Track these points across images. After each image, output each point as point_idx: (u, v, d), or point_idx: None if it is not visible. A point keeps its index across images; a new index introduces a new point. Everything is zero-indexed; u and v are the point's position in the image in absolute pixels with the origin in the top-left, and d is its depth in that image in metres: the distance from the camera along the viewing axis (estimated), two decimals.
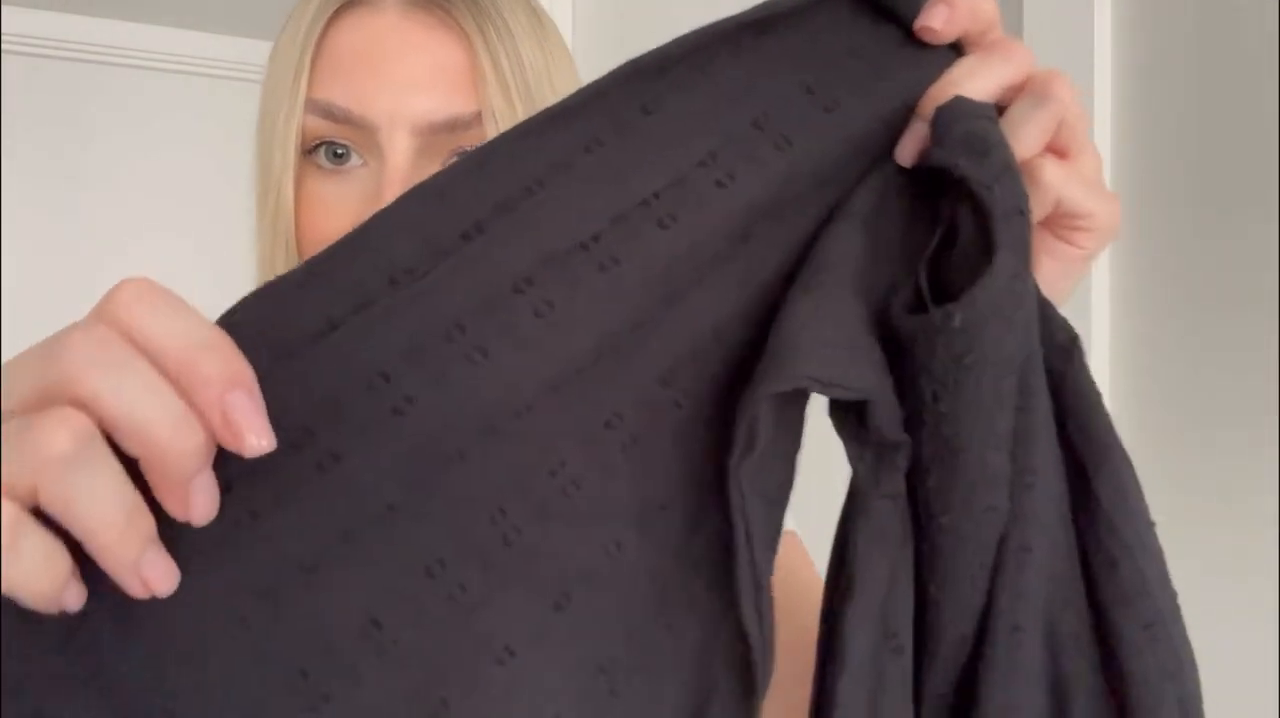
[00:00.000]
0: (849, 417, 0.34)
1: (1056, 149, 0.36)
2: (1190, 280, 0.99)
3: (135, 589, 0.27)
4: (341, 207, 0.52)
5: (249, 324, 0.30)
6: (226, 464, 0.29)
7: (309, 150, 0.53)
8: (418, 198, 0.32)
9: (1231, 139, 0.96)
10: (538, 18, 0.56)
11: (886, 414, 0.33)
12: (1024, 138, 0.34)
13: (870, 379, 0.32)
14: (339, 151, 0.53)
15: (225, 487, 0.29)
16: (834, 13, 0.36)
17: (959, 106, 0.34)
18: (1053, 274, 0.37)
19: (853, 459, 0.34)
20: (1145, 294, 1.05)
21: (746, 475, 0.32)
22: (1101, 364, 1.07)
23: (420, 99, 0.51)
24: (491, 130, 0.52)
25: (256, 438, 0.27)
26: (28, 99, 1.78)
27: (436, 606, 0.31)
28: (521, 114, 0.53)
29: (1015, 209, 0.32)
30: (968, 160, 0.33)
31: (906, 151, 0.35)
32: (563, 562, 0.32)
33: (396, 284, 0.31)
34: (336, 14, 0.53)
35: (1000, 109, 0.36)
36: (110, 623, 0.28)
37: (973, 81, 0.35)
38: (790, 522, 0.61)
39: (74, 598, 0.27)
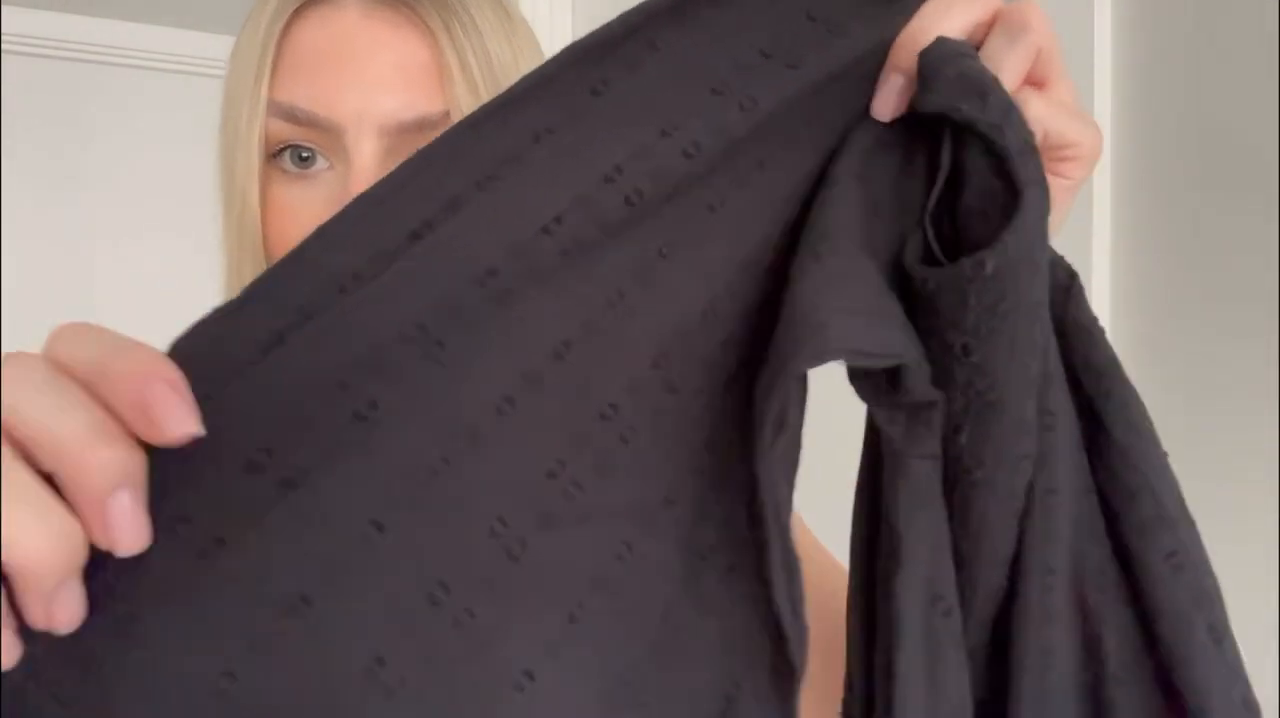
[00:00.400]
0: (876, 382, 0.32)
1: (1034, 80, 0.34)
2: (1190, 279, 0.98)
3: (38, 621, 0.25)
4: (308, 211, 0.51)
5: (193, 349, 0.28)
6: (181, 495, 0.27)
7: (273, 154, 0.51)
8: (360, 205, 0.30)
9: (1231, 138, 0.95)
10: (505, 12, 0.54)
11: (919, 375, 0.32)
12: (1005, 72, 0.33)
13: (899, 343, 0.31)
14: (304, 155, 0.51)
15: (183, 517, 0.27)
16: None
17: (943, 48, 0.32)
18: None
19: (884, 423, 0.32)
20: (1145, 294, 1.04)
21: (779, 459, 0.30)
22: None
23: (386, 99, 0.50)
24: None
25: (177, 425, 0.26)
26: (28, 99, 1.78)
27: (444, 636, 0.29)
28: None
29: (1029, 146, 0.31)
30: (969, 103, 0.31)
31: (887, 105, 0.34)
32: (573, 570, 0.31)
33: (345, 292, 0.29)
34: (297, 12, 0.51)
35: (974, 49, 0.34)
36: (83, 674, 0.27)
37: (945, 22, 0.33)
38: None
39: (9, 654, 0.26)
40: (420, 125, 0.51)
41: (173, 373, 0.27)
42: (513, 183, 0.31)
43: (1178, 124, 1.02)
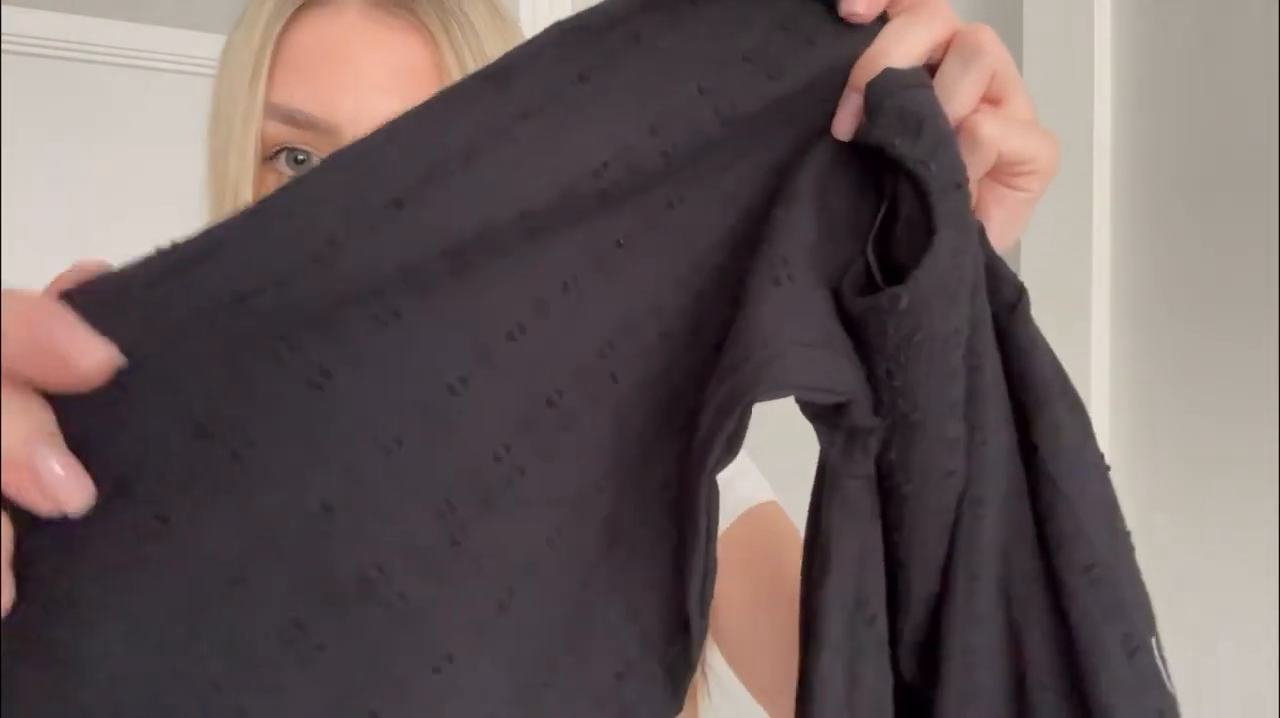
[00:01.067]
0: (820, 404, 0.34)
1: (989, 98, 0.36)
2: (1190, 279, 0.98)
3: None
4: None
5: (142, 299, 0.27)
6: (122, 460, 0.26)
7: (269, 156, 0.52)
8: (338, 166, 0.30)
9: (1231, 139, 0.95)
10: (497, 12, 0.55)
11: (862, 406, 0.33)
12: (959, 97, 0.34)
13: (850, 379, 0.32)
14: (300, 158, 0.51)
15: (123, 487, 0.26)
16: None
17: (889, 80, 0.33)
18: (1002, 222, 0.37)
19: (823, 442, 0.34)
20: (1145, 295, 1.04)
21: (707, 486, 0.31)
22: (1102, 366, 1.06)
23: (386, 101, 0.50)
24: None
25: (87, 354, 0.24)
26: (28, 99, 1.78)
27: (370, 616, 0.29)
28: None
29: (952, 184, 0.32)
30: (902, 138, 0.32)
31: (844, 125, 0.35)
32: (507, 558, 0.31)
33: (320, 261, 0.28)
34: (295, 14, 0.51)
35: (931, 67, 0.35)
36: (18, 660, 0.26)
37: (900, 47, 0.34)
38: (768, 492, 0.61)
39: None
40: None
41: (57, 309, 0.25)
42: (496, 161, 0.31)
43: (1177, 125, 1.02)
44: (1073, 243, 1.06)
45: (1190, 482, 0.92)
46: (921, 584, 0.34)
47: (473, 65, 0.52)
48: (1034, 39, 1.13)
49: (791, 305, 0.32)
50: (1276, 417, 0.87)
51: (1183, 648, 0.82)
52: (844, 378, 0.32)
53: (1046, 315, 0.99)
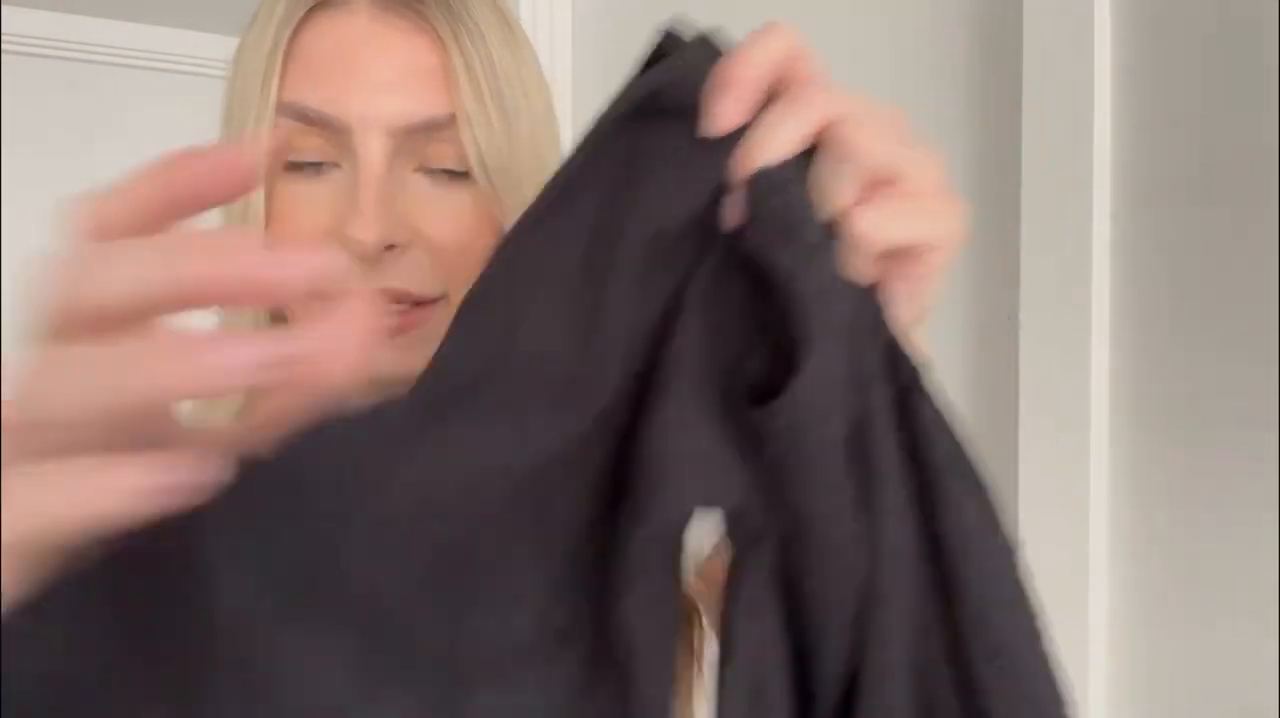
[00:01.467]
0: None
1: (879, 182, 0.34)
2: (1192, 281, 0.99)
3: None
4: (314, 206, 0.52)
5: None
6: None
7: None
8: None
9: (1233, 141, 0.95)
10: (504, 16, 0.56)
11: (754, 514, 0.33)
12: (832, 197, 0.33)
13: (737, 490, 0.32)
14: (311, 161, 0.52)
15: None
16: (616, 149, 0.33)
17: (761, 182, 0.32)
18: (907, 296, 0.36)
19: (724, 540, 0.34)
20: (1146, 295, 1.04)
21: (635, 613, 0.31)
22: (1101, 369, 1.06)
23: (394, 101, 0.51)
24: (465, 132, 0.52)
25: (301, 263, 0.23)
26: (28, 99, 1.79)
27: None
28: (493, 115, 0.52)
29: (827, 291, 0.32)
30: (774, 247, 0.32)
31: (732, 223, 0.33)
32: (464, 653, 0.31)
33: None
34: (306, 16, 0.52)
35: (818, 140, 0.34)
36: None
37: (772, 144, 0.33)
38: None
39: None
40: (427, 127, 0.52)
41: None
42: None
43: (1178, 131, 1.02)
44: (1072, 245, 1.07)
45: (1192, 482, 0.93)
46: (832, 668, 0.35)
47: (479, 69, 0.52)
48: (1033, 40, 1.13)
49: (681, 421, 0.32)
50: (1278, 419, 0.88)
51: (1183, 649, 0.83)
52: (731, 489, 0.32)
53: (1047, 318, 0.98)
